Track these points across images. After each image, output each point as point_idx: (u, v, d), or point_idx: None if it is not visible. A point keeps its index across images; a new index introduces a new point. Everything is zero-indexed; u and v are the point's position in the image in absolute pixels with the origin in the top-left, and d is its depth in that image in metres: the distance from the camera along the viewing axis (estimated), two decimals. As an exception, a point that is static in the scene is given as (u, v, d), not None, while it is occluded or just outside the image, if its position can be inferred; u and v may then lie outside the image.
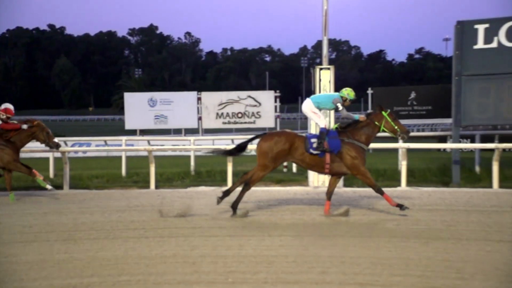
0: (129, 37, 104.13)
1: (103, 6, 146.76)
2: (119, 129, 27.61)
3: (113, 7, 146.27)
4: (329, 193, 7.61)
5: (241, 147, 8.32)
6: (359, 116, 7.96)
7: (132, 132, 19.39)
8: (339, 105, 7.74)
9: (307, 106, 7.97)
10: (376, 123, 7.70)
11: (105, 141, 19.45)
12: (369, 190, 8.29)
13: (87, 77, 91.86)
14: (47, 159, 14.49)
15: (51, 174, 13.64)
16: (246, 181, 7.59)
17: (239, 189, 7.64)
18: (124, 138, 17.77)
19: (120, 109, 21.82)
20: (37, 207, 8.87)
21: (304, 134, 8.02)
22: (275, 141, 7.48)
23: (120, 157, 14.89)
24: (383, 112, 7.71)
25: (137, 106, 19.01)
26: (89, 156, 20.39)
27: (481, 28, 10.81)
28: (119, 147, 15.98)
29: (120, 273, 4.87)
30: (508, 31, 10.66)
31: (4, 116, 10.23)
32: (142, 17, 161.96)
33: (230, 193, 7.62)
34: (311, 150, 7.42)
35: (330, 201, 7.58)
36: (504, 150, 11.16)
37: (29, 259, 5.40)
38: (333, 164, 7.47)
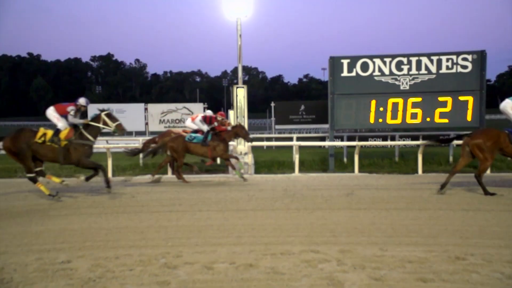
0: (91, 62, 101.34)
1: (71, 37, 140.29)
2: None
3: (78, 39, 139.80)
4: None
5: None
6: None
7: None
8: None
9: (507, 105, 7.47)
10: None
11: (71, 140, 18.56)
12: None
13: (59, 92, 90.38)
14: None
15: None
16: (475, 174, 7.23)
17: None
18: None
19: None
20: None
21: (505, 131, 7.43)
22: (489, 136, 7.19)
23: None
24: None
25: (97, 114, 18.25)
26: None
27: (345, 62, 11.30)
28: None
29: (85, 240, 4.70)
30: (362, 64, 11.25)
31: (221, 119, 9.91)
32: (101, 47, 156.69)
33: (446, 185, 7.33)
34: None
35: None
36: (361, 146, 11.92)
37: (13, 231, 5.17)
38: None
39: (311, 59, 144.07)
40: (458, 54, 11.11)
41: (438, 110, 11.01)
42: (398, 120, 11.19)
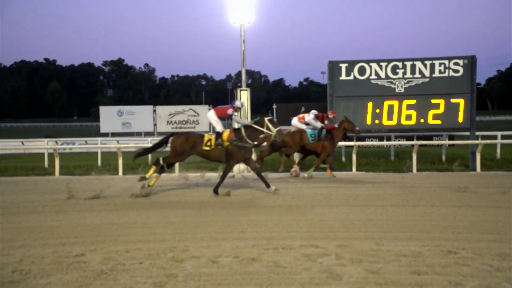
0: (103, 67, 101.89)
1: (84, 43, 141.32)
2: (96, 132, 26.53)
3: (91, 45, 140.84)
4: None
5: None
6: None
7: (105, 135, 18.68)
8: None
9: None
10: None
11: (85, 141, 18.78)
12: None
13: (72, 95, 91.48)
14: (42, 154, 13.65)
15: (46, 164, 12.86)
16: None
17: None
18: (99, 139, 17.19)
19: (97, 118, 20.85)
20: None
21: None
22: None
23: (96, 153, 14.35)
24: None
25: (109, 116, 18.42)
26: (73, 152, 19.37)
27: (343, 66, 11.29)
28: (96, 145, 15.45)
29: (97, 234, 4.71)
30: (359, 68, 11.24)
31: (332, 116, 9.82)
32: (112, 52, 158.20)
33: None
34: None
35: None
36: (359, 146, 11.88)
37: (30, 225, 5.20)
38: None
39: (311, 63, 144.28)
40: (450, 59, 11.08)
41: (431, 112, 10.98)
42: (394, 121, 11.17)
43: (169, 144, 7.55)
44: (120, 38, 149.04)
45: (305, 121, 9.79)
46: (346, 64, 11.29)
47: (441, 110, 10.94)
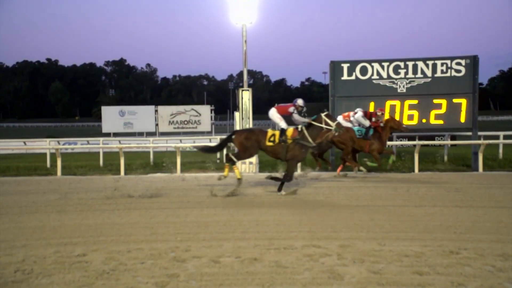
0: (105, 67, 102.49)
1: (86, 44, 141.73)
2: (98, 132, 26.59)
3: (93, 45, 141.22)
4: None
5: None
6: None
7: (107, 135, 18.70)
8: None
9: None
10: None
11: (87, 141, 18.78)
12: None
13: (74, 95, 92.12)
14: (44, 154, 13.72)
15: (48, 164, 12.89)
16: None
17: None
18: (101, 139, 17.20)
19: (99, 118, 20.90)
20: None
21: None
22: None
23: (98, 153, 14.36)
24: None
25: (111, 116, 18.43)
26: (76, 151, 19.44)
27: (345, 66, 11.27)
28: (98, 145, 15.43)
29: (99, 234, 4.72)
30: (361, 68, 11.22)
31: (380, 113, 9.56)
32: (114, 52, 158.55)
33: None
34: None
35: None
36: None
37: (32, 225, 5.21)
38: None
39: (313, 63, 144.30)
40: (452, 59, 11.05)
41: (433, 112, 10.94)
42: (395, 121, 11.13)
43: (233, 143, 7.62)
44: (122, 38, 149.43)
45: (351, 119, 9.63)
46: (348, 64, 11.27)
47: (443, 110, 10.90)
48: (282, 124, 7.50)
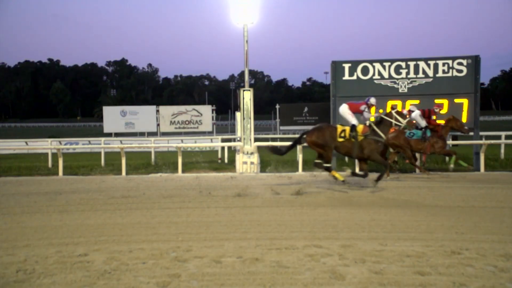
0: (106, 67, 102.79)
1: (88, 44, 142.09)
2: (99, 133, 26.65)
3: (94, 45, 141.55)
4: None
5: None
6: None
7: (109, 135, 18.73)
8: None
9: None
10: None
11: (89, 141, 18.82)
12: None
13: (76, 95, 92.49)
14: (46, 154, 13.73)
15: (50, 165, 12.92)
16: None
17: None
18: (103, 139, 17.22)
19: (100, 118, 20.96)
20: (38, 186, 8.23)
21: None
22: None
23: (100, 152, 14.38)
24: None
25: (112, 116, 18.46)
26: (77, 151, 19.48)
27: (346, 66, 11.30)
28: (99, 145, 15.45)
29: (101, 234, 4.72)
30: (362, 68, 11.25)
31: (438, 110, 9.30)
32: (116, 52, 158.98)
33: None
34: None
35: None
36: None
37: (34, 225, 5.22)
38: None
39: (314, 64, 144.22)
40: (453, 59, 11.04)
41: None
42: (397, 121, 11.11)
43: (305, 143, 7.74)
44: (124, 38, 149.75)
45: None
46: (349, 64, 11.28)
47: (444, 110, 10.88)
48: (354, 120, 7.54)
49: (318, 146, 7.42)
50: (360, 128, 7.43)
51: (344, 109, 7.78)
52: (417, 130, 9.19)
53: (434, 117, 9.37)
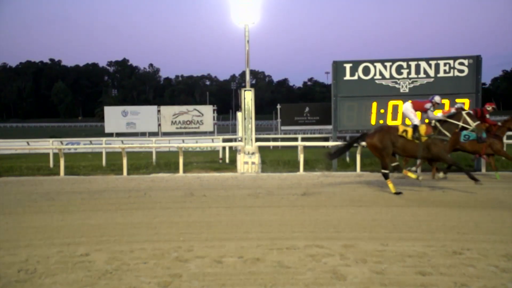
0: (108, 67, 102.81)
1: (89, 44, 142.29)
2: (101, 133, 26.72)
3: (96, 45, 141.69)
4: None
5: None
6: None
7: (110, 135, 18.75)
8: None
9: None
10: None
11: (90, 141, 18.87)
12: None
13: (77, 95, 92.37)
14: (47, 154, 13.76)
15: (51, 165, 12.95)
16: None
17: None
18: (104, 139, 17.24)
19: (101, 118, 21.01)
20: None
21: None
22: None
23: (101, 153, 14.39)
24: None
25: (114, 116, 18.49)
26: (78, 151, 19.51)
27: (347, 66, 11.27)
28: (101, 145, 15.47)
29: (102, 234, 4.72)
30: (363, 68, 11.22)
31: (490, 108, 8.92)
32: (117, 52, 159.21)
33: None
34: None
35: None
36: (363, 146, 11.78)
37: (36, 225, 5.23)
38: None
39: (315, 64, 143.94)
40: (455, 59, 11.02)
41: (436, 112, 10.88)
42: (398, 122, 11.03)
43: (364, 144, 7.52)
44: (125, 38, 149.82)
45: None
46: (351, 64, 11.26)
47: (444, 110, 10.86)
48: (416, 120, 7.32)
49: (378, 149, 7.18)
50: (422, 128, 7.19)
51: (407, 107, 7.53)
52: (471, 132, 8.56)
53: (487, 116, 9.00)
